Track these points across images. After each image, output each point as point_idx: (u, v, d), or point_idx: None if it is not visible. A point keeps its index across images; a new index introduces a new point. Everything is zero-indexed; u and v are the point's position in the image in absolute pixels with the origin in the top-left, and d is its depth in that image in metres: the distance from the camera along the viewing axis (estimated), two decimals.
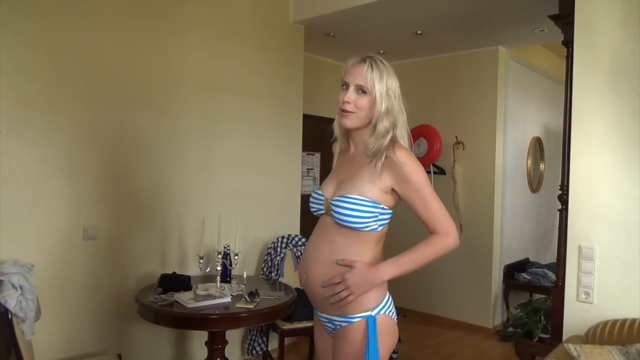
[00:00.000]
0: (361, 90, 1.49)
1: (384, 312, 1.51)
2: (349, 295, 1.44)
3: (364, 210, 1.45)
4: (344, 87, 1.52)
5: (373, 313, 1.48)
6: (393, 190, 1.48)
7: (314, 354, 1.77)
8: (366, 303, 1.48)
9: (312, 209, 1.63)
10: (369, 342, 1.44)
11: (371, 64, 1.48)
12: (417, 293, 4.80)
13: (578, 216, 2.28)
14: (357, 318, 1.48)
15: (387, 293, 1.55)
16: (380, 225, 1.50)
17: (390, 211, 1.52)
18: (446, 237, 1.46)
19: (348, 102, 1.49)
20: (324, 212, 1.56)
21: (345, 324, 1.50)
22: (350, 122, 1.51)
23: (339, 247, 1.50)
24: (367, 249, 1.50)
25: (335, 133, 1.65)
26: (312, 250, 1.58)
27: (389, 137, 1.48)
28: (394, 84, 1.51)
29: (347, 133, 1.62)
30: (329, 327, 1.58)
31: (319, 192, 1.61)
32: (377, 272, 1.45)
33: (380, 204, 1.47)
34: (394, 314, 1.55)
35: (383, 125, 1.48)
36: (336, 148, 1.71)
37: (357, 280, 1.44)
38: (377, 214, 1.48)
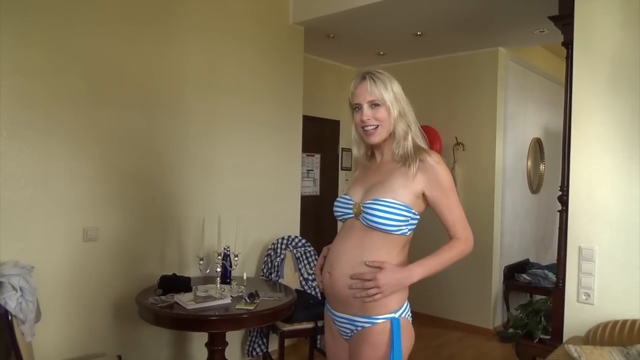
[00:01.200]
0: (374, 104, 1.55)
1: (405, 315, 1.55)
2: (377, 294, 1.46)
3: (398, 214, 1.49)
4: (357, 109, 1.59)
5: (396, 315, 1.52)
6: (423, 194, 1.53)
7: (326, 357, 1.77)
8: (390, 305, 1.51)
9: (337, 213, 1.66)
10: (394, 344, 1.48)
11: (372, 79, 1.55)
12: (417, 294, 4.76)
13: (578, 217, 2.28)
14: (381, 319, 1.51)
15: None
16: (409, 230, 1.54)
17: (418, 217, 1.57)
18: (466, 242, 1.55)
19: (368, 119, 1.55)
20: (352, 215, 1.59)
21: (369, 324, 1.52)
22: (378, 137, 1.58)
23: (367, 249, 1.53)
24: (395, 253, 1.53)
25: (354, 153, 1.71)
26: (339, 251, 1.60)
27: (410, 137, 1.56)
28: (397, 88, 1.58)
29: (371, 146, 1.67)
30: (346, 329, 1.59)
31: (346, 196, 1.64)
32: (409, 273, 1.49)
33: (412, 209, 1.52)
34: (411, 316, 1.59)
35: (401, 128, 1.57)
36: (357, 164, 1.76)
37: (389, 281, 1.46)
38: (409, 218, 1.52)
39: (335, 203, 1.67)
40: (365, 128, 1.56)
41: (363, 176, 1.68)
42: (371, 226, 1.51)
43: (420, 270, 1.50)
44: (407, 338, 1.53)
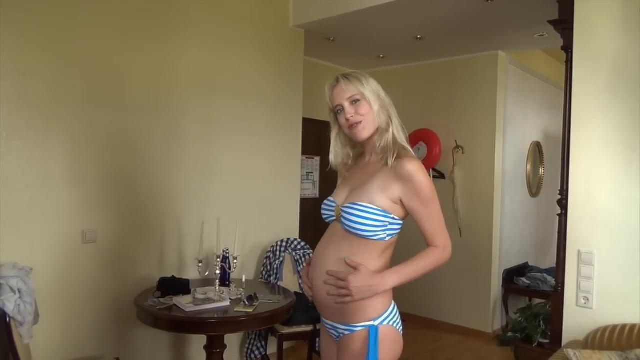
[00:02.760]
0: (354, 100, 1.54)
1: (388, 322, 1.50)
2: (347, 296, 1.44)
3: (374, 219, 1.46)
4: (339, 111, 1.57)
5: (376, 323, 1.48)
6: (401, 201, 1.49)
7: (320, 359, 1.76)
8: (369, 312, 1.48)
9: (323, 216, 1.65)
10: (370, 352, 1.44)
11: (345, 78, 1.55)
12: (416, 297, 4.79)
13: (577, 221, 2.28)
14: (360, 327, 1.48)
15: (392, 303, 1.55)
16: (388, 235, 1.50)
17: (400, 222, 1.52)
18: (443, 251, 1.51)
19: (352, 116, 1.53)
20: (334, 218, 1.58)
21: (348, 332, 1.51)
22: (365, 131, 1.54)
23: (344, 254, 1.50)
24: (373, 258, 1.50)
25: (331, 162, 1.68)
26: (320, 255, 1.58)
27: (391, 130, 1.53)
28: (374, 83, 1.57)
29: (356, 148, 1.66)
30: (333, 334, 1.59)
31: (331, 198, 1.63)
32: (381, 279, 1.45)
33: (391, 214, 1.48)
34: (399, 324, 1.54)
35: (381, 120, 1.54)
36: (341, 170, 1.72)
37: (359, 285, 1.43)
38: (387, 224, 1.48)
39: (322, 205, 1.65)
40: (351, 126, 1.54)
41: (350, 177, 1.65)
42: (348, 230, 1.50)
43: (394, 277, 1.47)
44: (390, 347, 1.48)
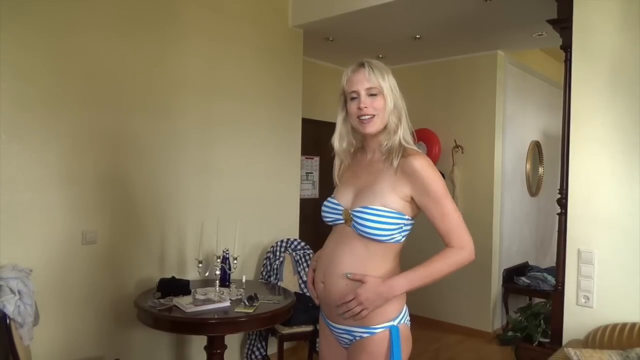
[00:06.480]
0: (371, 93, 1.48)
1: (404, 321, 1.50)
2: (362, 310, 1.42)
3: (389, 222, 1.42)
4: (353, 97, 1.51)
5: (395, 323, 1.46)
6: (412, 199, 1.45)
7: None
8: (388, 313, 1.46)
9: (327, 219, 1.58)
10: (393, 352, 1.42)
11: (370, 67, 1.48)
12: (416, 297, 4.76)
13: (577, 220, 2.28)
14: (380, 328, 1.45)
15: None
16: (403, 237, 1.47)
17: (412, 221, 1.49)
18: (461, 251, 1.43)
19: (366, 107, 1.47)
20: (342, 222, 1.52)
21: (367, 334, 1.46)
22: (374, 126, 1.48)
23: (360, 258, 1.46)
24: (389, 260, 1.47)
25: (335, 148, 1.61)
26: (331, 259, 1.52)
27: (399, 131, 1.48)
28: (393, 80, 1.52)
29: (361, 141, 1.60)
30: (345, 338, 1.53)
31: (334, 200, 1.57)
32: (390, 287, 1.42)
33: (405, 215, 1.44)
34: (409, 321, 1.55)
35: (392, 120, 1.49)
36: (337, 160, 1.67)
37: (370, 295, 1.41)
38: (402, 225, 1.45)
39: (323, 207, 1.59)
40: (362, 117, 1.48)
41: (353, 175, 1.58)
42: (363, 235, 1.45)
43: (404, 282, 1.42)
44: (406, 345, 1.48)
